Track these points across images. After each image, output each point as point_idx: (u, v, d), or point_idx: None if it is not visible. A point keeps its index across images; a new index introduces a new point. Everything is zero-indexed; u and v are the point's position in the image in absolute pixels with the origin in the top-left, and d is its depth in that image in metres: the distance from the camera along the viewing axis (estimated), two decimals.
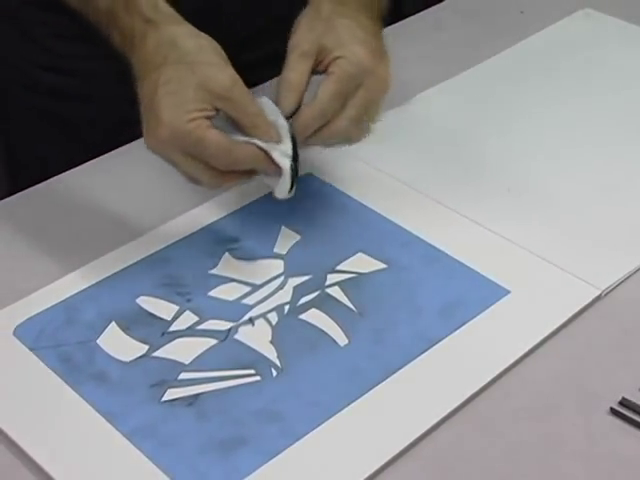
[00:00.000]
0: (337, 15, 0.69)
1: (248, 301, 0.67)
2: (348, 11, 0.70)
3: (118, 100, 0.80)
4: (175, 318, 0.65)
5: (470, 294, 0.67)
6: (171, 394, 0.60)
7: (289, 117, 0.67)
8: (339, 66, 0.67)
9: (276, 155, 0.65)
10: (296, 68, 0.67)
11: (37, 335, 0.64)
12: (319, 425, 0.59)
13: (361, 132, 0.69)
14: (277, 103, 0.67)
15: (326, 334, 0.64)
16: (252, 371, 0.62)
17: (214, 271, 0.69)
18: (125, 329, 0.64)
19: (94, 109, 0.86)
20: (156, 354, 0.63)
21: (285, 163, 0.66)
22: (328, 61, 0.67)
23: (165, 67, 0.64)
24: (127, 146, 0.80)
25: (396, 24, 0.96)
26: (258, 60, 0.87)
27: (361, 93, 0.67)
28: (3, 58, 0.89)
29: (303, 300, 0.67)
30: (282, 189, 0.67)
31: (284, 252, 0.71)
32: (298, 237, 0.72)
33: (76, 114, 0.87)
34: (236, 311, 0.66)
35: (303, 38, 0.67)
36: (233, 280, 0.68)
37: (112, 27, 0.68)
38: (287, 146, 0.66)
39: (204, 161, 0.64)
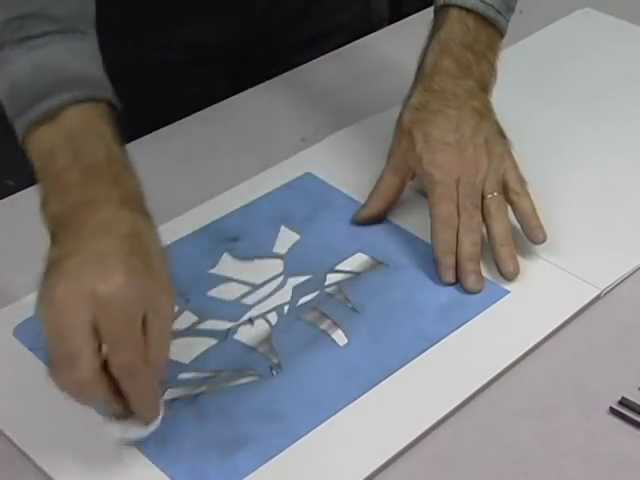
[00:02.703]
0: (417, 123, 0.70)
1: (247, 301, 0.67)
2: (434, 103, 0.70)
3: (147, 86, 0.80)
4: (174, 318, 0.64)
5: (469, 294, 0.67)
6: (171, 394, 0.60)
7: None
8: (426, 188, 0.69)
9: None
10: (386, 179, 0.72)
11: (37, 335, 0.61)
12: (319, 425, 0.59)
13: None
14: (365, 205, 0.72)
15: (326, 334, 0.64)
16: (251, 371, 0.62)
17: (213, 271, 0.69)
18: None
19: (123, 95, 0.86)
20: None
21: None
22: (418, 175, 0.70)
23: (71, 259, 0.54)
24: (126, 146, 0.80)
25: (396, 24, 0.97)
26: (299, 42, 0.87)
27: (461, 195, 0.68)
28: None
29: (303, 300, 0.67)
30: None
31: (283, 252, 0.71)
32: (298, 237, 0.72)
33: None
34: (235, 311, 0.66)
35: (393, 150, 0.71)
36: (232, 280, 0.68)
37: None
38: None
39: None
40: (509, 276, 0.68)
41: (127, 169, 0.57)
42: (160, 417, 0.57)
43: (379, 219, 0.73)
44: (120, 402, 0.55)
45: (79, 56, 0.58)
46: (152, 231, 0.56)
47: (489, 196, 0.69)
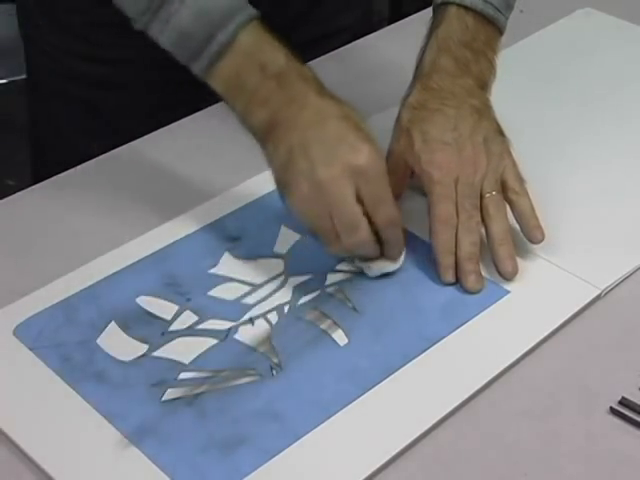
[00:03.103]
0: (415, 122, 0.70)
1: (248, 301, 0.67)
2: (432, 102, 0.70)
3: (152, 87, 0.81)
4: (175, 318, 0.65)
5: (469, 294, 0.67)
6: (171, 394, 0.60)
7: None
8: (425, 188, 0.70)
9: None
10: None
11: (37, 335, 0.63)
12: (319, 425, 0.59)
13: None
14: None
15: (326, 334, 0.64)
16: (252, 371, 0.62)
17: (214, 270, 0.69)
18: (125, 329, 0.64)
19: (127, 97, 0.86)
20: (156, 354, 0.63)
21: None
22: (417, 174, 0.71)
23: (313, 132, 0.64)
24: (125, 147, 0.80)
25: (396, 24, 0.96)
26: (296, 45, 0.88)
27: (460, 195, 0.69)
28: (38, 46, 0.89)
29: (303, 300, 0.67)
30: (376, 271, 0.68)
31: (284, 251, 0.70)
32: (298, 236, 0.72)
33: (105, 99, 0.87)
34: (236, 311, 0.66)
35: (392, 149, 0.72)
36: (233, 279, 0.68)
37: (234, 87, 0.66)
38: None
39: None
40: (508, 276, 0.67)
41: (303, 64, 0.66)
42: (404, 254, 0.68)
43: None
44: (379, 248, 0.66)
45: None
46: (350, 109, 0.65)
47: (488, 195, 0.68)
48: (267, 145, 0.65)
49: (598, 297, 0.68)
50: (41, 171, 0.83)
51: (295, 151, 0.63)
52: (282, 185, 0.65)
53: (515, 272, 0.67)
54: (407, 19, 0.96)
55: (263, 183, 0.76)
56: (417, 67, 0.73)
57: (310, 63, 0.89)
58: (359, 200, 0.63)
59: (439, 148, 0.69)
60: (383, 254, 0.67)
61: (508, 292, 0.67)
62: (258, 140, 0.65)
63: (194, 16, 0.64)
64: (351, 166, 0.62)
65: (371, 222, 0.64)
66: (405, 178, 0.72)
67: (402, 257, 0.68)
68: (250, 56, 0.65)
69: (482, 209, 0.68)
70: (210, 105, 0.86)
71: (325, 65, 0.89)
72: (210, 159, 0.79)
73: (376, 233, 0.65)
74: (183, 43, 0.65)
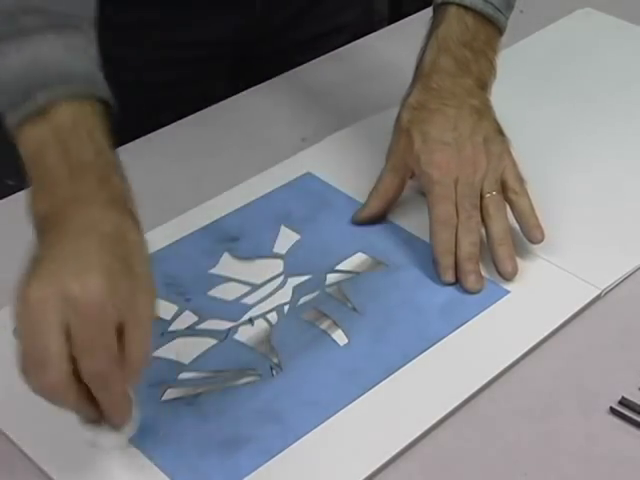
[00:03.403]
0: (415, 122, 0.70)
1: (248, 301, 0.67)
2: (432, 102, 0.70)
3: (151, 87, 0.80)
4: (174, 318, 0.65)
5: (469, 294, 0.67)
6: (171, 394, 0.60)
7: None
8: (425, 188, 0.69)
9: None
10: (385, 179, 0.72)
11: None
12: (319, 425, 0.58)
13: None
14: (365, 205, 0.72)
15: (326, 334, 0.64)
16: (252, 371, 0.62)
17: (213, 271, 0.69)
18: None
19: (126, 96, 0.86)
20: (155, 354, 0.62)
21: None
22: (416, 175, 0.70)
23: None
24: (125, 146, 0.80)
25: (396, 24, 0.96)
26: (295, 45, 0.88)
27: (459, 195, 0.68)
28: None
29: (303, 300, 0.67)
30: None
31: (284, 252, 0.70)
32: (298, 237, 0.72)
33: None
34: (236, 311, 0.66)
35: (392, 150, 0.71)
36: (232, 280, 0.68)
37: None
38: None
39: None
40: (507, 276, 0.67)
41: (115, 170, 0.57)
42: (133, 425, 0.55)
43: (379, 219, 0.72)
44: (94, 408, 0.53)
45: (74, 52, 0.57)
46: (136, 232, 0.55)
47: (488, 195, 0.68)
48: (36, 242, 0.55)
49: (598, 297, 0.68)
50: None
51: (33, 260, 0.53)
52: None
53: (515, 272, 0.67)
54: (407, 19, 0.96)
55: (263, 183, 0.77)
56: (417, 67, 0.73)
57: (310, 63, 0.90)
58: (67, 338, 0.51)
59: (438, 148, 0.69)
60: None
61: (508, 292, 0.67)
62: (35, 234, 0.56)
63: (24, 63, 0.56)
64: (65, 293, 0.50)
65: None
66: (405, 179, 0.72)
67: (130, 428, 0.55)
68: (58, 134, 0.55)
69: (482, 209, 0.68)
70: (210, 105, 0.86)
71: (325, 65, 0.90)
72: (210, 159, 0.79)
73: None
74: (4, 89, 0.56)
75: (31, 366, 0.51)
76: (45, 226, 0.54)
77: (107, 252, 0.52)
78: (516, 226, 0.70)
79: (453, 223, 0.68)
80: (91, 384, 0.52)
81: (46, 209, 0.55)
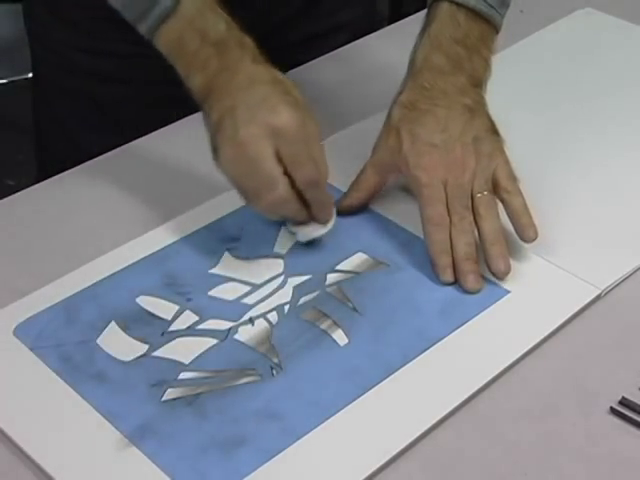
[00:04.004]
0: (405, 122, 0.70)
1: (248, 301, 0.66)
2: (422, 102, 0.70)
3: (157, 82, 0.80)
4: (175, 318, 0.65)
5: (469, 294, 0.67)
6: (171, 394, 0.60)
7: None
8: (414, 191, 0.70)
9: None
10: (367, 173, 0.73)
11: (37, 335, 0.63)
12: (319, 424, 0.58)
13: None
14: (345, 195, 0.74)
15: (326, 333, 0.64)
16: (252, 371, 0.62)
17: (214, 270, 0.69)
18: (125, 329, 0.64)
19: (132, 91, 0.87)
20: (156, 354, 0.63)
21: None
22: (405, 177, 0.71)
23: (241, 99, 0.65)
24: (125, 146, 0.80)
25: (396, 24, 0.96)
26: (300, 41, 0.88)
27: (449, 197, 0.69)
28: (40, 41, 0.89)
29: (303, 300, 0.66)
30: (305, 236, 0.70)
31: (284, 251, 0.70)
32: None
33: (110, 94, 0.87)
34: (236, 311, 0.66)
35: (379, 146, 0.72)
36: (233, 279, 0.68)
37: (177, 52, 0.68)
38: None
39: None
40: (500, 275, 0.67)
41: (242, 32, 0.67)
42: (334, 219, 0.69)
43: (359, 209, 0.73)
44: (305, 211, 0.67)
45: None
46: (283, 75, 0.67)
47: (478, 195, 0.68)
48: (203, 109, 0.67)
49: (598, 297, 0.68)
50: (45, 168, 0.84)
51: (224, 115, 0.65)
52: (213, 148, 0.67)
53: (507, 271, 0.67)
54: (407, 19, 0.96)
55: None
56: (409, 65, 0.72)
57: (310, 63, 0.89)
58: (280, 159, 0.64)
59: (426, 151, 0.69)
60: (311, 218, 0.69)
61: (508, 292, 0.67)
62: (198, 102, 0.68)
63: None
64: (270, 126, 0.64)
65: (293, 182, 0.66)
66: (386, 175, 0.72)
67: (332, 222, 0.69)
68: (192, 22, 0.66)
69: (473, 210, 0.68)
70: None
71: (325, 65, 0.89)
72: (210, 159, 0.78)
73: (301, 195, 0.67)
74: (130, 3, 0.67)
75: (262, 189, 0.65)
76: (210, 93, 0.66)
77: (279, 91, 0.65)
78: (509, 226, 0.70)
79: (446, 224, 0.68)
80: (307, 189, 0.66)
81: (205, 81, 0.66)
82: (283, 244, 0.71)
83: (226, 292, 0.67)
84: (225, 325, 0.65)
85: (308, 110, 0.66)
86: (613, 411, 0.60)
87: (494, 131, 0.71)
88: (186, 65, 0.67)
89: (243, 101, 0.65)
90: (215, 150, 0.66)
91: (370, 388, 0.61)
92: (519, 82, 0.87)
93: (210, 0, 0.67)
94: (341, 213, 0.72)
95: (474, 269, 0.67)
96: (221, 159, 0.66)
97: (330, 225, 0.69)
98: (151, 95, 0.85)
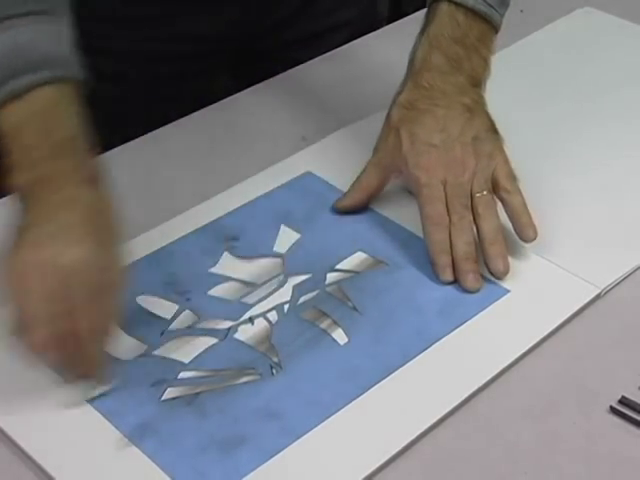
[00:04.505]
0: (405, 122, 0.70)
1: (248, 300, 0.66)
2: (422, 102, 0.70)
3: (150, 80, 0.80)
4: (175, 317, 0.65)
5: (469, 293, 0.67)
6: (171, 393, 0.60)
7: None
8: (414, 191, 0.69)
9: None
10: (369, 173, 0.72)
11: None
12: (319, 424, 0.58)
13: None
14: (346, 195, 0.73)
15: (326, 333, 0.64)
16: (252, 370, 0.62)
17: (214, 270, 0.69)
18: (125, 328, 0.63)
19: (126, 89, 0.86)
20: (155, 353, 0.63)
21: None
22: (405, 177, 0.70)
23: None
24: (124, 145, 0.80)
25: (395, 23, 0.96)
26: (297, 40, 0.88)
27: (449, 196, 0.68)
28: None
29: (303, 299, 0.66)
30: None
31: (284, 251, 0.70)
32: (298, 236, 0.72)
33: (107, 95, 0.84)
34: (236, 310, 0.66)
35: (379, 146, 0.72)
36: (233, 279, 0.68)
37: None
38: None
39: None
40: (499, 275, 0.67)
41: (90, 149, 0.60)
42: (106, 383, 0.60)
43: (359, 209, 0.73)
44: (74, 367, 0.59)
45: (47, 37, 0.60)
46: (111, 209, 0.60)
47: (477, 195, 0.68)
48: (22, 201, 0.59)
49: (598, 296, 0.68)
50: None
51: (23, 229, 0.58)
52: (13, 241, 0.58)
53: (506, 271, 0.67)
54: (406, 19, 0.96)
55: (263, 182, 0.77)
56: (409, 65, 0.73)
57: (310, 62, 0.90)
58: (53, 303, 0.56)
59: (426, 150, 0.69)
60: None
61: (507, 291, 0.67)
62: (18, 203, 0.59)
63: (1, 49, 0.58)
64: (55, 263, 0.56)
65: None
66: (387, 175, 0.72)
67: (104, 386, 0.60)
68: (37, 116, 0.58)
69: (473, 209, 0.68)
70: (210, 98, 0.86)
71: (323, 65, 0.89)
72: (210, 157, 0.79)
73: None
74: None
75: (20, 328, 0.57)
76: (28, 198, 0.58)
77: (90, 225, 0.58)
78: (510, 226, 0.70)
79: (445, 223, 0.68)
80: (71, 342, 0.57)
81: (28, 182, 0.58)
82: (283, 243, 0.71)
83: (226, 291, 0.67)
84: (225, 324, 0.65)
85: (117, 255, 0.59)
86: (613, 410, 0.60)
87: (494, 130, 0.71)
88: (16, 157, 0.58)
89: (49, 222, 0.57)
90: (13, 244, 0.58)
91: (370, 387, 0.61)
92: (519, 82, 0.87)
93: (68, 100, 0.59)
94: (341, 213, 0.73)
95: (474, 268, 0.67)
96: (11, 260, 0.57)
97: (99, 389, 0.60)
98: (147, 94, 0.85)
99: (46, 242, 0.57)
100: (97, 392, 0.60)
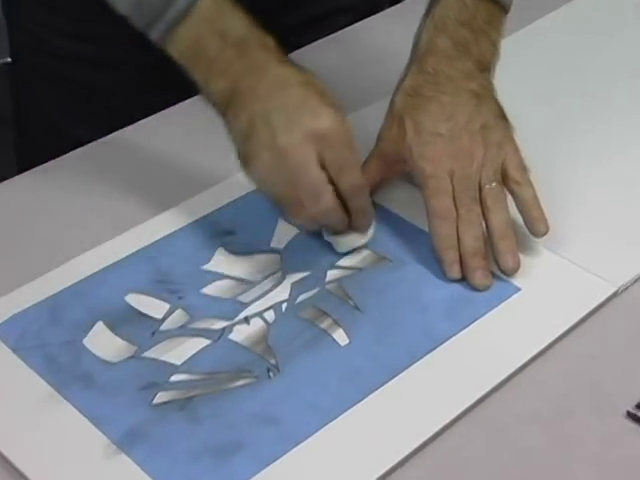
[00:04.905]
0: (409, 110, 0.69)
1: (243, 299, 0.66)
2: (427, 88, 0.69)
3: (139, 66, 0.81)
4: (166, 317, 0.64)
5: (478, 291, 0.66)
6: (162, 397, 0.59)
7: None
8: (419, 183, 0.69)
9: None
10: (372, 163, 0.71)
11: (20, 334, 0.63)
12: (318, 429, 0.58)
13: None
14: None
15: (326, 333, 0.63)
16: (247, 373, 0.61)
17: (207, 267, 0.68)
18: (113, 328, 0.63)
19: (115, 75, 0.86)
20: (146, 355, 0.62)
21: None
22: (410, 168, 0.70)
23: (272, 102, 0.64)
24: (114, 134, 0.79)
25: (399, 5, 0.96)
26: (298, 24, 0.88)
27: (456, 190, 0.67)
28: (23, 25, 0.89)
29: (302, 297, 0.66)
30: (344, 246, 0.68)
31: (281, 247, 0.70)
32: (296, 231, 0.71)
33: (96, 80, 0.87)
34: (230, 309, 0.65)
35: (383, 135, 0.71)
36: (227, 276, 0.67)
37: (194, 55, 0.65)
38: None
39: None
40: (509, 271, 0.66)
41: (264, 33, 0.65)
42: (373, 227, 0.68)
43: None
44: (347, 220, 0.66)
45: None
46: (313, 75, 0.65)
47: (487, 187, 0.67)
48: (227, 115, 0.65)
49: (614, 295, 0.67)
50: (26, 159, 0.83)
51: (256, 120, 0.63)
52: (243, 156, 0.65)
53: (517, 267, 0.66)
54: (408, 0, 0.95)
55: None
56: (413, 48, 0.71)
57: (309, 46, 0.89)
58: (323, 166, 0.63)
59: (431, 140, 0.68)
60: (351, 226, 0.67)
61: (519, 289, 0.66)
62: (218, 110, 0.65)
63: None
64: (313, 131, 0.62)
65: (337, 190, 0.64)
66: (393, 166, 0.71)
67: (371, 231, 0.68)
68: (210, 23, 0.64)
69: (481, 202, 0.67)
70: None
71: (324, 49, 0.89)
72: (204, 148, 0.78)
73: (343, 203, 0.65)
74: (140, 8, 0.65)
75: (305, 200, 0.63)
76: (234, 98, 0.64)
77: (316, 93, 0.63)
78: (520, 219, 0.69)
79: (452, 217, 0.67)
80: (352, 196, 0.65)
81: (228, 85, 0.64)
82: (280, 239, 0.70)
83: (220, 289, 0.66)
84: (219, 324, 0.64)
85: (344, 112, 0.64)
86: (629, 415, 0.59)
87: (503, 117, 0.70)
88: (205, 69, 0.64)
89: (277, 105, 0.63)
90: (246, 158, 0.64)
91: (372, 391, 0.60)
92: (530, 67, 0.86)
93: (229, 3, 0.65)
94: None
95: (482, 265, 0.66)
96: (256, 168, 0.64)
97: (370, 233, 0.68)
98: (141, 81, 0.85)
99: (292, 119, 0.62)
100: (359, 242, 0.67)
